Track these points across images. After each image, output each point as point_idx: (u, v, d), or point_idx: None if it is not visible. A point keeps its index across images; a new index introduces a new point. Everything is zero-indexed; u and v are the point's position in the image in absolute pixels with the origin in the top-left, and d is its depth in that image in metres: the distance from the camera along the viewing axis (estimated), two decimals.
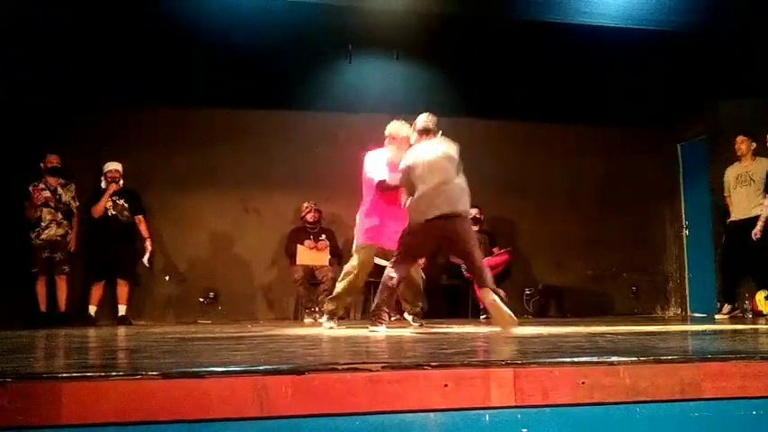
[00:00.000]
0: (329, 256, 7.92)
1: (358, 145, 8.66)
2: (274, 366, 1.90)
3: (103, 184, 7.48)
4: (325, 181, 8.45)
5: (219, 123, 8.35)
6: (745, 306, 7.14)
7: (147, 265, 7.56)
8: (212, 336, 4.22)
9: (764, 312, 6.63)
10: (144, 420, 1.75)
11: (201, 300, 8.13)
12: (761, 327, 4.85)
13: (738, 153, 7.18)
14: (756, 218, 6.80)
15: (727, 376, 2.06)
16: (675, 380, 2.02)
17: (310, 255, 7.82)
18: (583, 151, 8.97)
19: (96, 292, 7.36)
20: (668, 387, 2.01)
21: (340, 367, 1.89)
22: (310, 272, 7.77)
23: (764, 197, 6.78)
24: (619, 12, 6.89)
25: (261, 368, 1.88)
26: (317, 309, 7.53)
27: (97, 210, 7.32)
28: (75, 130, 7.76)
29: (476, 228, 8.35)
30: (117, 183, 7.44)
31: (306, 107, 8.40)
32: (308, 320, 7.33)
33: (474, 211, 8.38)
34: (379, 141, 8.62)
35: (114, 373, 1.82)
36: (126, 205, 7.45)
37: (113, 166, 7.50)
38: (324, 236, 8.01)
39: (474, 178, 8.63)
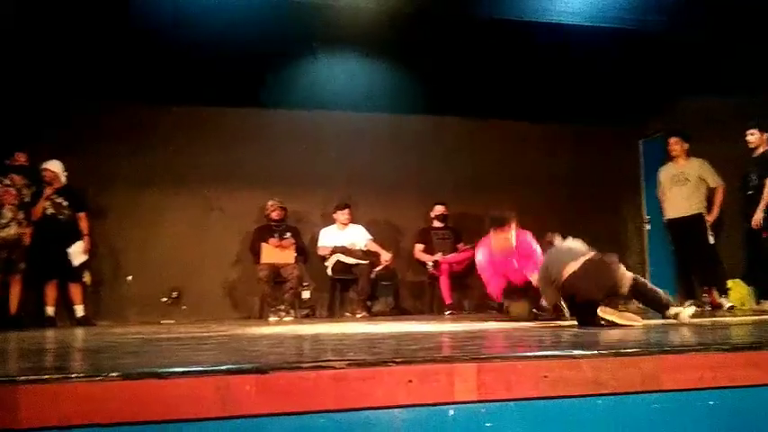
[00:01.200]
0: (294, 254, 7.89)
1: (324, 142, 8.68)
2: (237, 366, 1.88)
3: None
4: (291, 179, 8.42)
5: (183, 121, 8.26)
6: (704, 299, 7.28)
7: (75, 261, 7.35)
8: (175, 336, 4.17)
9: (729, 305, 6.75)
10: (105, 422, 1.73)
11: (164, 300, 8.04)
12: (718, 320, 4.95)
13: (673, 154, 7.35)
14: (695, 216, 7.00)
15: (685, 368, 2.09)
16: (636, 372, 2.05)
17: (275, 253, 7.77)
18: (547, 148, 9.06)
19: (50, 292, 7.22)
20: (629, 379, 2.04)
21: (304, 365, 1.88)
22: (275, 270, 7.73)
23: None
24: (582, 10, 6.96)
25: (224, 368, 1.86)
26: (282, 307, 7.50)
27: (35, 211, 7.17)
28: (40, 129, 7.62)
29: (442, 224, 8.41)
30: (51, 184, 7.27)
31: (271, 104, 8.35)
32: (273, 319, 7.29)
33: (440, 208, 8.44)
34: (344, 139, 8.64)
35: (74, 375, 1.79)
36: (66, 203, 7.31)
37: (47, 166, 7.34)
38: (289, 234, 7.97)
39: (440, 175, 8.79)
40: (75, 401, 1.72)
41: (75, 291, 7.36)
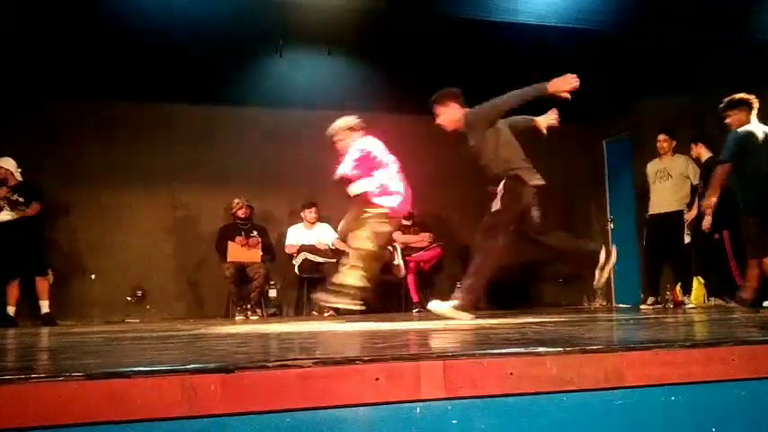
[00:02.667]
0: (261, 253, 7.86)
1: (289, 140, 8.64)
2: (203, 365, 1.86)
3: None
4: (257, 177, 8.38)
5: (146, 118, 8.18)
6: (666, 297, 7.40)
7: None
8: (139, 335, 4.12)
9: (696, 304, 6.88)
10: (67, 423, 1.70)
11: (129, 298, 7.97)
12: (680, 317, 5.04)
13: (661, 151, 7.46)
14: (675, 212, 7.11)
15: (648, 364, 2.13)
16: (600, 369, 2.08)
17: (241, 251, 7.74)
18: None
19: (12, 291, 7.10)
20: (593, 376, 2.06)
21: (270, 364, 1.87)
22: (241, 269, 7.69)
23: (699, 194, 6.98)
24: (547, 11, 7.04)
25: (189, 367, 1.84)
26: (248, 306, 7.46)
27: None
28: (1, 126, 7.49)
29: (408, 222, 8.43)
30: (5, 181, 7.15)
31: (235, 102, 8.31)
32: (239, 318, 7.25)
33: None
34: (309, 137, 8.61)
35: (34, 376, 1.76)
36: (21, 199, 7.19)
37: (1, 164, 7.22)
38: (255, 232, 7.95)
39: (405, 173, 8.79)
40: (37, 403, 1.69)
41: (42, 285, 7.24)
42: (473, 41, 7.54)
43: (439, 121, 5.24)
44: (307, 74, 8.37)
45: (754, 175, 5.77)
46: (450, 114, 5.17)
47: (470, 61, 7.94)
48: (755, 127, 5.90)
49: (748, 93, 6.18)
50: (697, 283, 7.04)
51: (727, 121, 6.16)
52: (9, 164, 7.23)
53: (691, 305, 6.87)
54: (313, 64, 8.37)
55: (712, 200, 5.92)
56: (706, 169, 6.86)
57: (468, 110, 5.12)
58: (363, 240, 5.49)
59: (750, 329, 3.11)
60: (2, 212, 7.04)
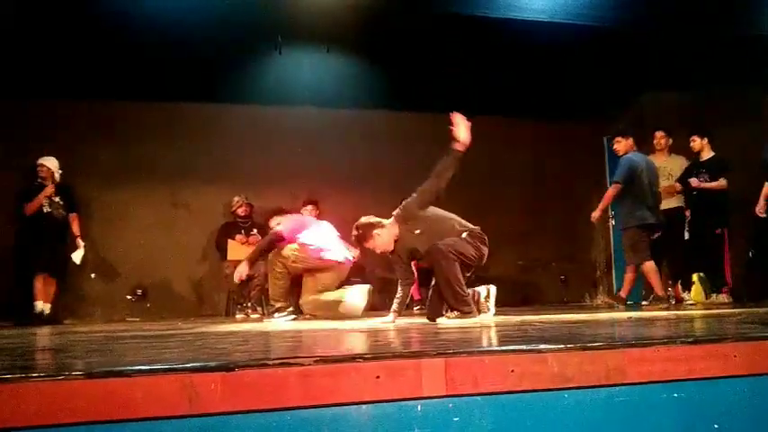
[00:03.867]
0: None
1: (288, 138, 8.64)
2: (203, 363, 1.86)
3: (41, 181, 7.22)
4: (257, 175, 8.38)
5: (146, 117, 8.18)
6: (668, 293, 7.40)
7: (78, 263, 7.32)
8: (140, 334, 4.12)
9: (697, 300, 6.89)
10: (68, 422, 1.69)
11: (129, 297, 7.97)
12: (681, 313, 5.04)
13: (658, 148, 7.46)
14: (674, 209, 7.12)
15: (650, 361, 2.12)
16: (601, 366, 2.08)
17: (242, 250, 7.73)
18: (513, 144, 9.14)
19: (41, 286, 7.08)
20: (594, 373, 2.06)
21: (271, 362, 1.87)
22: None
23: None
24: (547, 7, 7.02)
25: (189, 365, 1.84)
26: (248, 304, 7.45)
27: (31, 207, 7.04)
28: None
29: None
30: (51, 180, 7.16)
31: (235, 100, 8.30)
32: (239, 316, 7.25)
33: None
34: (309, 134, 8.61)
35: (35, 374, 1.75)
36: (61, 203, 7.21)
37: (45, 162, 7.22)
38: (255, 230, 7.94)
39: (404, 172, 8.78)
40: (38, 401, 1.69)
41: (50, 290, 7.24)
42: (473, 38, 7.53)
43: (379, 249, 5.10)
44: (306, 71, 8.37)
45: (632, 195, 6.57)
46: (384, 236, 5.01)
47: (471, 58, 7.93)
48: (638, 155, 6.71)
49: (746, 88, 6.22)
50: (698, 280, 7.04)
51: (615, 147, 6.86)
52: (52, 163, 7.23)
53: (690, 302, 6.88)
54: (312, 61, 8.36)
55: (597, 214, 6.88)
56: (708, 167, 6.87)
57: (395, 212, 5.00)
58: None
59: (751, 326, 3.11)
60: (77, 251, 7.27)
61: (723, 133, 7.09)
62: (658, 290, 6.59)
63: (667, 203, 7.24)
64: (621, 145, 6.84)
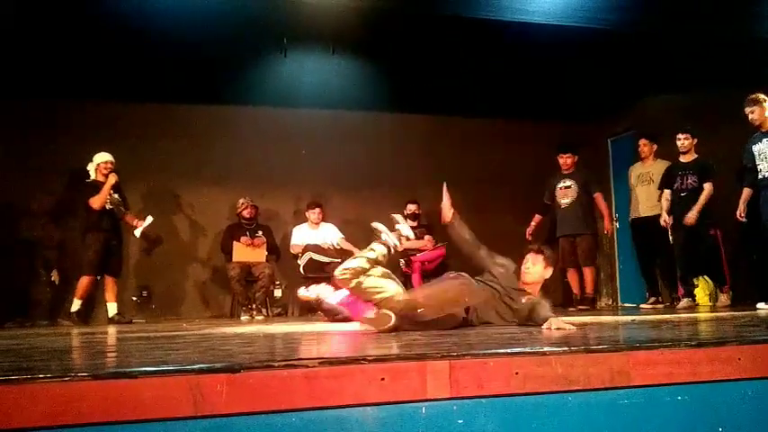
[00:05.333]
0: (266, 253, 7.86)
1: (293, 140, 8.65)
2: (209, 365, 1.87)
3: (93, 176, 7.23)
4: (262, 176, 8.39)
5: (151, 118, 8.18)
6: (672, 296, 7.39)
7: (138, 235, 7.35)
8: (145, 335, 4.14)
9: (703, 302, 6.86)
10: (74, 423, 1.71)
11: (134, 298, 7.97)
12: (685, 316, 5.03)
13: (642, 155, 7.52)
14: (656, 216, 7.13)
15: (654, 364, 2.13)
16: (605, 369, 2.08)
17: (247, 251, 7.74)
18: (516, 146, 9.13)
19: (85, 286, 7.10)
20: (599, 376, 2.06)
21: (276, 364, 1.87)
22: (247, 269, 7.69)
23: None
24: (551, 9, 7.01)
25: (195, 367, 1.85)
26: (253, 306, 7.46)
27: (98, 202, 7.04)
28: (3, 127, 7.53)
29: (414, 223, 8.43)
30: (113, 174, 7.19)
31: (241, 101, 8.31)
32: (244, 318, 7.25)
33: (413, 207, 8.46)
34: (314, 136, 8.61)
35: (42, 376, 1.76)
36: (120, 199, 7.23)
37: (107, 158, 7.23)
38: (260, 232, 7.95)
39: (411, 173, 8.80)
40: (44, 402, 1.70)
41: (114, 287, 7.28)
42: (477, 41, 7.53)
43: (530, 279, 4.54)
44: (311, 73, 8.37)
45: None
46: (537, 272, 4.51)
47: (475, 60, 7.93)
48: None
49: (746, 91, 6.22)
50: (703, 283, 7.02)
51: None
52: (112, 158, 7.24)
53: (684, 305, 6.86)
54: (317, 63, 8.37)
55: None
56: (694, 169, 6.84)
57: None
58: None
59: (756, 329, 3.10)
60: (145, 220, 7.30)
61: (723, 135, 7.06)
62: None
63: (651, 210, 7.27)
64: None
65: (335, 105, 8.56)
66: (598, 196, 7.76)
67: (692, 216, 6.65)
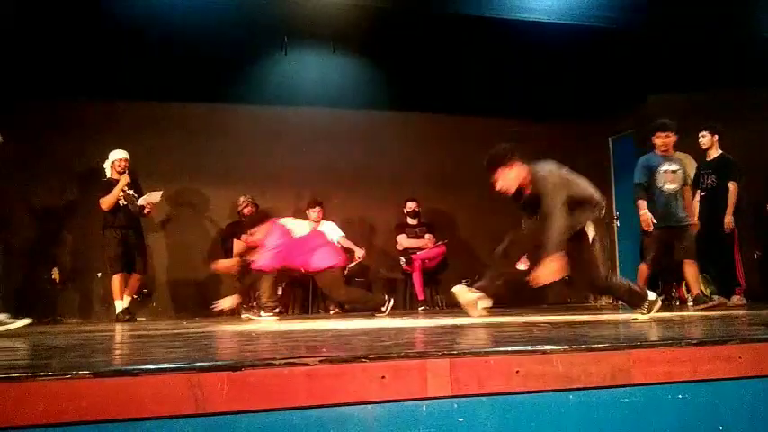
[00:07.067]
0: None
1: (294, 138, 8.65)
2: (210, 363, 1.87)
3: (109, 174, 7.24)
4: (262, 175, 8.38)
5: (151, 116, 8.18)
6: (672, 294, 7.39)
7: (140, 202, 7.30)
8: (146, 333, 4.14)
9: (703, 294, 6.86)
10: (75, 421, 1.70)
11: (135, 297, 7.95)
12: (686, 314, 5.03)
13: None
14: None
15: (655, 362, 2.12)
16: (606, 367, 2.08)
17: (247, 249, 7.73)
18: (517, 144, 9.10)
19: (120, 284, 7.10)
20: (599, 374, 2.06)
21: (277, 362, 1.87)
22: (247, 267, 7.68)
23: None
24: (552, 8, 7.02)
25: (195, 365, 1.85)
26: (254, 304, 7.46)
27: (109, 201, 7.04)
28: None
29: (414, 221, 8.43)
30: (126, 173, 7.19)
31: (241, 100, 8.31)
32: (245, 316, 7.25)
33: (413, 205, 8.46)
34: (314, 135, 8.61)
35: (42, 374, 1.76)
36: (135, 195, 7.23)
37: (122, 155, 7.23)
38: None
39: (412, 171, 8.81)
40: (45, 400, 1.70)
41: (136, 284, 7.32)
42: (479, 39, 7.54)
43: None
44: (312, 72, 8.38)
45: None
46: None
47: (476, 59, 7.94)
48: None
49: (749, 90, 6.21)
50: (703, 281, 7.02)
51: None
52: (127, 155, 7.25)
53: (692, 302, 6.84)
54: (318, 62, 8.37)
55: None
56: (715, 168, 6.82)
57: None
58: None
59: (757, 327, 3.10)
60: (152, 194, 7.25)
61: (729, 134, 7.06)
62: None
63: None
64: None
65: (336, 103, 8.56)
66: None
67: (728, 221, 6.64)
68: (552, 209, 4.30)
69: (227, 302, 6.55)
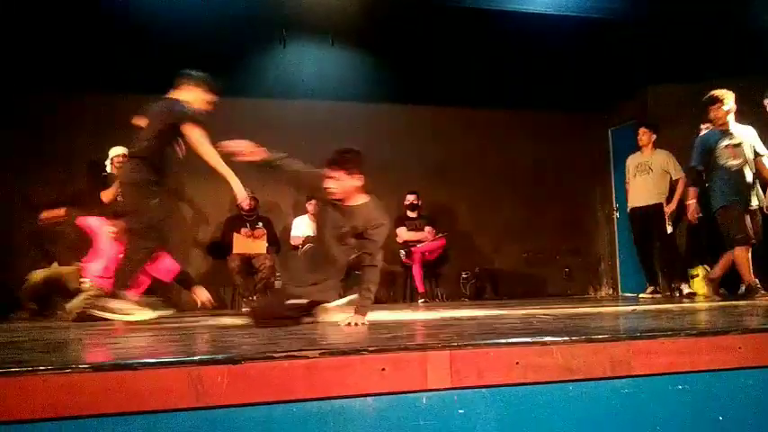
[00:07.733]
0: (266, 245, 7.86)
1: (292, 131, 8.62)
2: (210, 356, 1.87)
3: (110, 170, 7.21)
4: (262, 168, 8.36)
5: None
6: (673, 285, 7.39)
7: None
8: (146, 327, 4.14)
9: (699, 293, 6.86)
10: (75, 415, 1.71)
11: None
12: (686, 305, 5.03)
13: (641, 144, 7.44)
14: (655, 205, 7.10)
15: (655, 353, 2.13)
16: (606, 358, 2.08)
17: (247, 243, 7.74)
18: (517, 136, 9.12)
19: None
20: (599, 365, 2.06)
21: (277, 355, 1.87)
22: (247, 261, 7.69)
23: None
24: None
25: (196, 358, 1.85)
26: (254, 297, 7.46)
27: (107, 197, 7.02)
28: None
29: (414, 214, 8.43)
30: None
31: (239, 93, 8.26)
32: (245, 310, 7.25)
33: (412, 197, 8.45)
34: (312, 127, 8.59)
35: (42, 368, 1.76)
36: None
37: (119, 151, 7.23)
38: (260, 224, 7.94)
39: (411, 164, 8.79)
40: (45, 394, 1.70)
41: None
42: (478, 30, 7.52)
43: None
44: (310, 64, 8.35)
45: None
46: None
47: (475, 50, 7.91)
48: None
49: (749, 80, 6.18)
50: (702, 272, 7.02)
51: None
52: (126, 151, 7.22)
53: (687, 292, 6.86)
54: (316, 54, 8.35)
55: None
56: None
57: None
58: None
59: (756, 318, 3.10)
60: None
61: None
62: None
63: (650, 199, 7.24)
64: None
65: (335, 96, 8.54)
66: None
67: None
68: (378, 254, 4.22)
69: (202, 296, 6.49)
